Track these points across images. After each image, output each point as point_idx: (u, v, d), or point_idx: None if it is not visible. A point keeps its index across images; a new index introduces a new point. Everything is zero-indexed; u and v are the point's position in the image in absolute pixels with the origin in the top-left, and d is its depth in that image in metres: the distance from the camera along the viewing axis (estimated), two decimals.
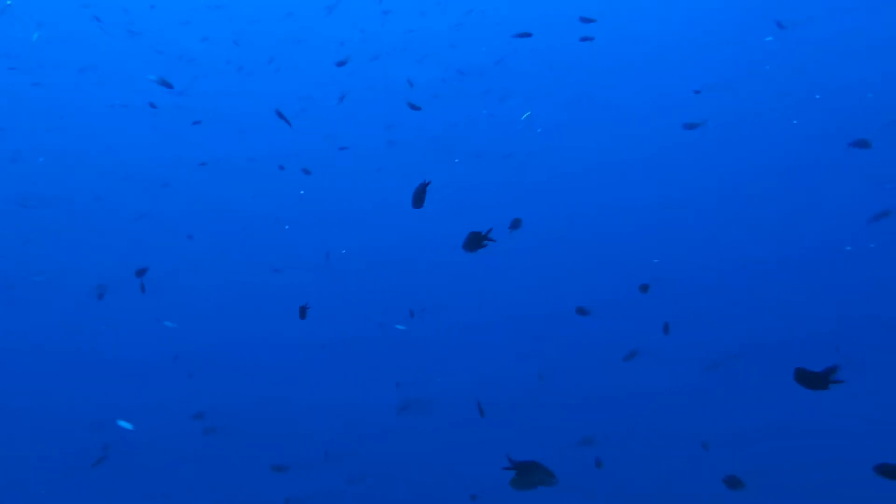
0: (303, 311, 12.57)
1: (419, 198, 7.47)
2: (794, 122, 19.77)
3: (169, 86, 12.49)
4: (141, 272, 15.62)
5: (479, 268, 24.12)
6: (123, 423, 18.67)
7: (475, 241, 7.40)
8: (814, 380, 7.47)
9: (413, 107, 13.37)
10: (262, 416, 23.54)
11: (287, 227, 24.28)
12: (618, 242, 23.18)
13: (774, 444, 21.04)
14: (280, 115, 11.47)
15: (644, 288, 16.65)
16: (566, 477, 21.38)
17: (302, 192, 24.74)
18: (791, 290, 21.59)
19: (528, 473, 6.61)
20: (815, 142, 20.22)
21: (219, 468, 22.88)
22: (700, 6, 19.10)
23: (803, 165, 20.54)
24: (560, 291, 23.40)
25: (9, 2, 21.73)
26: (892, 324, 20.85)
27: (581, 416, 22.52)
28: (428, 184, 7.41)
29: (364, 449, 23.57)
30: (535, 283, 23.78)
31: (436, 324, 24.05)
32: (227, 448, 23.04)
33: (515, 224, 19.88)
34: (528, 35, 14.93)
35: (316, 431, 23.78)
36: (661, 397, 22.11)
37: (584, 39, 16.52)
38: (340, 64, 18.40)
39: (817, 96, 18.80)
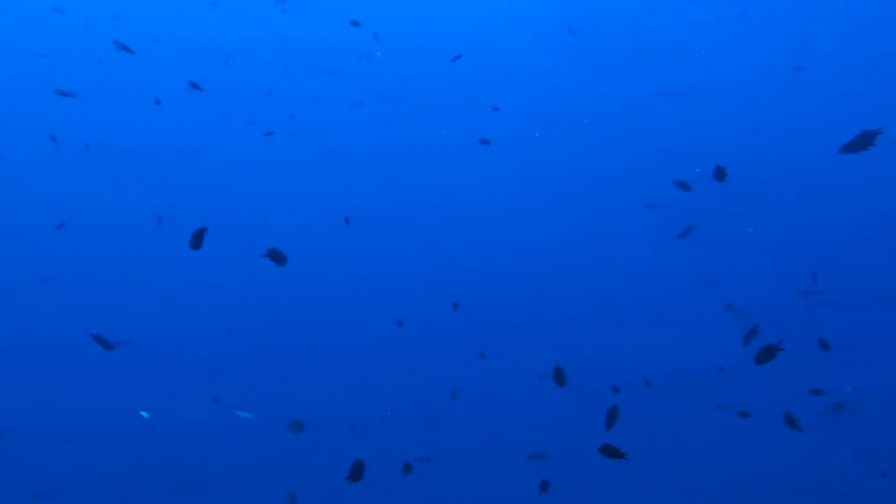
0: (105, 342, 11.40)
1: (196, 241, 7.74)
2: (611, 140, 20.24)
3: None
4: None
5: (296, 283, 23.13)
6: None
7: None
8: (559, 379, 8.93)
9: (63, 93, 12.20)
10: (46, 434, 21.19)
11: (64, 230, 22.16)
12: (434, 258, 22.96)
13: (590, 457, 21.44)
14: None
15: (455, 306, 16.23)
16: (385, 491, 20.68)
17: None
18: (602, 306, 22.17)
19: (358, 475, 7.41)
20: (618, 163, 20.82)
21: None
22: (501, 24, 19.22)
23: (601, 182, 21.13)
24: (382, 307, 22.85)
25: None
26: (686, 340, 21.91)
27: (405, 432, 21.95)
28: (205, 230, 7.81)
29: (176, 465, 21.80)
30: (357, 298, 23.10)
31: (254, 340, 22.77)
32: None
33: (346, 221, 18.96)
34: (377, 54, 14.61)
35: (126, 450, 21.74)
36: (486, 411, 21.99)
37: (452, 63, 16.14)
38: (121, 46, 16.97)
39: (584, 120, 19.43)
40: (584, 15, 17.72)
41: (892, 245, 20.26)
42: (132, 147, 23.28)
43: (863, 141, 9.95)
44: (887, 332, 20.23)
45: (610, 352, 22.07)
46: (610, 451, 7.35)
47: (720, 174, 7.81)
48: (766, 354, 8.82)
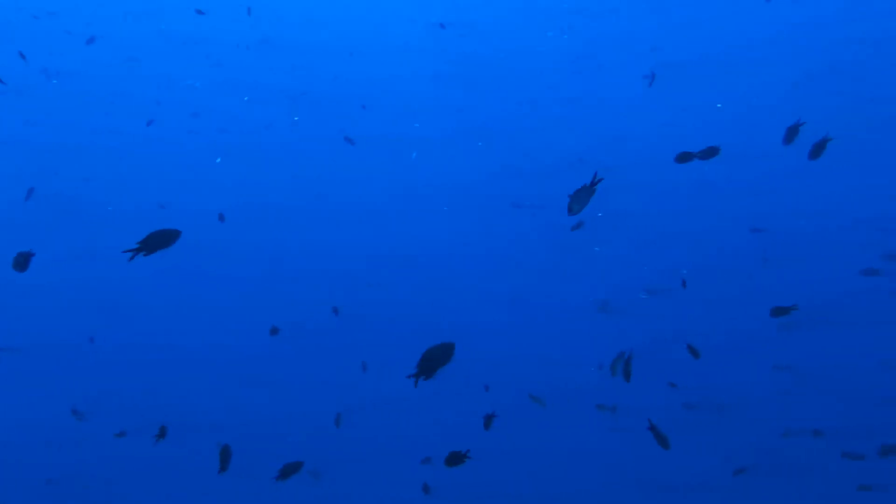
0: None
1: (21, 264, 7.74)
2: (480, 144, 20.21)
3: None
4: None
5: (166, 285, 21.87)
6: None
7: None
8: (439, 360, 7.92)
9: None
10: None
11: None
12: (313, 260, 22.34)
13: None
14: None
15: (335, 310, 15.68)
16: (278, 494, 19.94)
17: None
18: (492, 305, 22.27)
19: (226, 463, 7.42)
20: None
21: None
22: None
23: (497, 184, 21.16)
24: (258, 311, 22.01)
25: None
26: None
27: (282, 444, 21.26)
28: (32, 254, 7.70)
29: (33, 477, 20.27)
30: (231, 301, 22.13)
31: (117, 347, 21.40)
32: None
33: (220, 217, 17.89)
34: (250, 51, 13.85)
35: None
36: (369, 419, 21.63)
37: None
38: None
39: (457, 122, 19.38)
40: (455, 14, 17.54)
41: (755, 247, 21.25)
42: None
43: (707, 154, 10.21)
44: (750, 333, 21.22)
45: (490, 352, 22.11)
46: (453, 459, 7.35)
47: (591, 185, 7.57)
48: (626, 371, 8.93)
